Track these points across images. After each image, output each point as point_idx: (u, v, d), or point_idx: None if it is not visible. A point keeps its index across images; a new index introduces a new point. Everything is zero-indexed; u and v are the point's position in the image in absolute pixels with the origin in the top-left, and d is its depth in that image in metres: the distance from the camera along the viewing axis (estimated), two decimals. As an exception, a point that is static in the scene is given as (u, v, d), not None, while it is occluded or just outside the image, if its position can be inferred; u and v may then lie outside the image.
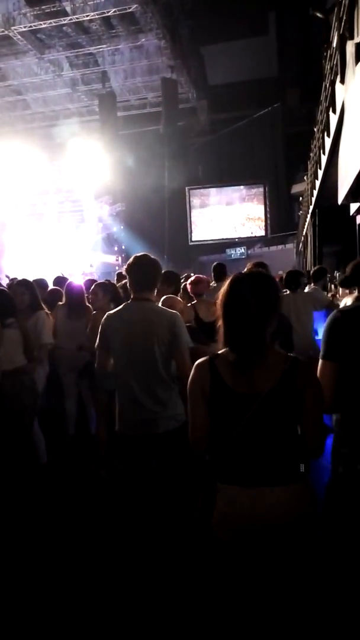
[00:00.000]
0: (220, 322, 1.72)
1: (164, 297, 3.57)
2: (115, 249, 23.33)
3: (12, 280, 5.59)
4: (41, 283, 5.36)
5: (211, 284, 5.30)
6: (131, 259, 2.71)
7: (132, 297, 2.71)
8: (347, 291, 5.17)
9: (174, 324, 2.65)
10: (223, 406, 1.70)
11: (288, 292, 4.97)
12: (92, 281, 5.43)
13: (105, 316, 2.77)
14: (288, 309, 4.58)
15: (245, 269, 3.09)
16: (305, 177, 15.88)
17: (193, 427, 1.79)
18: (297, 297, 4.97)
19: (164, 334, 2.62)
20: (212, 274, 5.65)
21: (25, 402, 3.76)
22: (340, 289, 7.15)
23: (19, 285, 4.27)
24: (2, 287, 4.26)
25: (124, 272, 2.84)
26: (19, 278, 4.92)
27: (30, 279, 4.89)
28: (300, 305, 4.90)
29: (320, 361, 1.98)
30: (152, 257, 2.75)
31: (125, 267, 2.73)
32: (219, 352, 1.77)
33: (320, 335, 5.44)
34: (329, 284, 7.92)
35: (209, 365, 1.74)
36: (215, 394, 1.71)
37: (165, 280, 3.76)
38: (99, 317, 4.04)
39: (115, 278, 6.73)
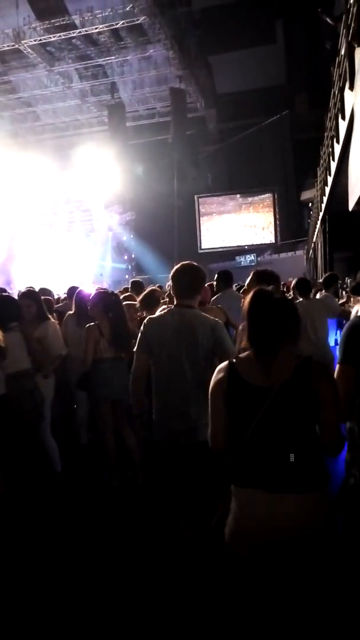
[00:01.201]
0: (244, 324, 1.80)
1: (164, 306, 3.51)
2: (125, 257, 23.44)
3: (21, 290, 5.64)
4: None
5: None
6: (176, 267, 2.75)
7: (175, 303, 2.74)
8: (359, 298, 5.12)
9: (216, 329, 2.66)
10: (239, 399, 1.74)
11: (301, 299, 4.90)
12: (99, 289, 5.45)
13: (146, 320, 2.78)
14: (302, 316, 4.48)
15: (251, 276, 3.09)
16: (314, 184, 15.86)
17: (213, 428, 1.83)
18: (311, 304, 4.89)
19: (206, 340, 2.61)
20: (217, 282, 5.41)
21: (24, 405, 3.76)
22: (352, 296, 7.09)
23: (24, 298, 4.26)
24: (6, 294, 4.24)
25: (172, 284, 2.82)
26: (26, 288, 4.93)
27: (37, 287, 4.92)
28: (314, 312, 4.81)
29: (337, 366, 1.97)
30: (196, 264, 2.77)
31: (171, 273, 2.76)
32: (240, 355, 1.83)
33: (332, 343, 5.38)
34: (340, 290, 7.86)
35: (228, 365, 1.81)
36: (232, 388, 1.76)
37: None
38: (92, 329, 4.05)
39: (130, 286, 6.74)
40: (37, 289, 6.32)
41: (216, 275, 5.45)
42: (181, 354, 2.60)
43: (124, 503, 3.78)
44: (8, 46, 17.78)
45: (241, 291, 4.19)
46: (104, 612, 2.60)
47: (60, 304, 6.20)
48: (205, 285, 4.68)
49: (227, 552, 1.77)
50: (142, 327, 2.75)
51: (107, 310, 4.11)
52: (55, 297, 6.98)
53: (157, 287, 5.31)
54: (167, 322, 2.66)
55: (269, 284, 3.04)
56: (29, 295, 4.34)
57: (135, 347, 2.77)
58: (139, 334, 2.75)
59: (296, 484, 1.66)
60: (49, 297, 5.47)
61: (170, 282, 2.86)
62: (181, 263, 2.76)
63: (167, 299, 4.30)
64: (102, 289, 5.07)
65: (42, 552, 3.18)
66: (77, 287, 6.36)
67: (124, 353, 4.00)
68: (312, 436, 1.70)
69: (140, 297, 4.45)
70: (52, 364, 4.26)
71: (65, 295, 6.46)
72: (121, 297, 4.85)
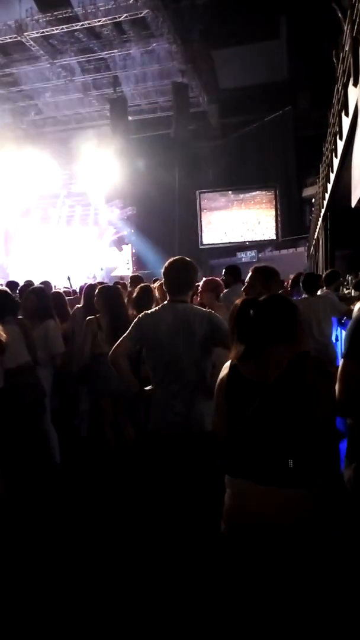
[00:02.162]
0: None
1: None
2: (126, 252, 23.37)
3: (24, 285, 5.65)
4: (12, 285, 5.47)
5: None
6: (168, 262, 2.74)
7: (168, 299, 2.74)
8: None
9: (212, 318, 2.66)
10: (236, 394, 1.80)
11: (306, 295, 4.86)
12: (100, 284, 5.46)
13: (142, 314, 2.78)
14: (306, 314, 4.44)
15: (250, 272, 3.07)
16: (316, 181, 15.81)
17: (215, 423, 1.93)
18: (316, 302, 4.82)
19: (203, 330, 2.61)
20: (226, 277, 5.36)
21: (28, 399, 3.76)
22: (354, 292, 7.06)
23: (30, 293, 4.28)
24: (1, 288, 4.24)
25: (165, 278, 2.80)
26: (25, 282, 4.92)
27: (36, 282, 4.92)
28: (319, 310, 4.75)
29: (341, 360, 1.96)
30: (188, 259, 2.77)
31: (163, 269, 2.75)
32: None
33: (334, 339, 5.34)
34: (342, 287, 7.84)
35: (230, 362, 1.88)
36: (231, 384, 1.83)
37: None
38: (91, 322, 4.09)
39: (129, 281, 6.74)
40: (36, 283, 6.34)
41: (224, 270, 5.43)
42: (177, 346, 2.60)
43: (122, 496, 3.78)
44: (10, 38, 17.69)
45: (242, 289, 4.18)
46: (103, 604, 2.61)
47: (72, 297, 6.21)
48: (216, 279, 4.69)
49: (223, 543, 1.78)
50: (136, 319, 2.75)
51: (107, 304, 4.11)
52: (55, 289, 6.97)
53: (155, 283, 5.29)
54: (161, 317, 2.67)
55: (269, 280, 3.02)
56: (35, 291, 4.36)
57: (126, 334, 2.73)
58: (131, 326, 2.74)
59: (285, 478, 1.67)
60: (60, 291, 5.49)
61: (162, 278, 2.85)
62: (173, 259, 2.76)
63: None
64: (102, 283, 5.08)
65: (41, 543, 3.19)
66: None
67: None
68: (306, 431, 1.70)
69: (133, 296, 4.44)
70: (51, 362, 4.28)
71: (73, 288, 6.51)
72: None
